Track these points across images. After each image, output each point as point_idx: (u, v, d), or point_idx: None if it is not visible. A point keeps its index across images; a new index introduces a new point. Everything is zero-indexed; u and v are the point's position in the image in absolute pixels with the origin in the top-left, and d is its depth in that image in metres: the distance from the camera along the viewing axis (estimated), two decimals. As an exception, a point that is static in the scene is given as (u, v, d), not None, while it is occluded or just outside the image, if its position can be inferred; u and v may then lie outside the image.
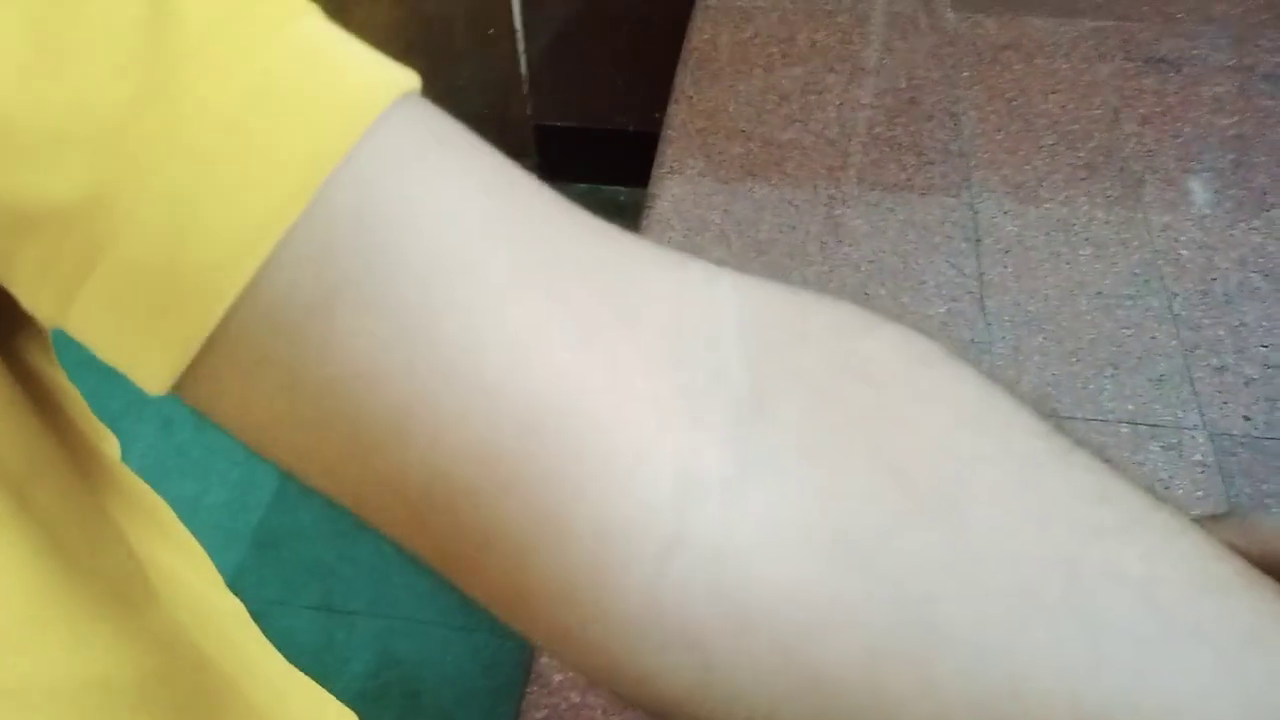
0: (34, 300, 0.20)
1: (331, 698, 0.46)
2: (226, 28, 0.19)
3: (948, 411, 0.22)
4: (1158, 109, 0.90)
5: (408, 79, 0.20)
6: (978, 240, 0.78)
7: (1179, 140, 0.87)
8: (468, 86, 1.90)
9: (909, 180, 0.83)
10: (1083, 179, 0.83)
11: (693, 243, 0.79)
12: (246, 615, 0.40)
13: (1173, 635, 0.21)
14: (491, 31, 1.83)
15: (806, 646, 0.20)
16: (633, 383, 0.21)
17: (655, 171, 0.85)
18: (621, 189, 1.82)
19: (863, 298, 0.74)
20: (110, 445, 0.33)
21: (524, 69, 1.82)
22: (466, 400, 0.20)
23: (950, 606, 0.20)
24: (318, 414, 0.20)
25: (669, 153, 0.86)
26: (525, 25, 1.78)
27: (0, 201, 0.19)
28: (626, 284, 0.22)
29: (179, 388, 0.20)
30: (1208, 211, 0.81)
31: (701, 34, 1.00)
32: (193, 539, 0.37)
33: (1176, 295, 0.74)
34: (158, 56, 0.18)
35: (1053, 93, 0.91)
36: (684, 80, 0.94)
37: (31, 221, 0.19)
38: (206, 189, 0.19)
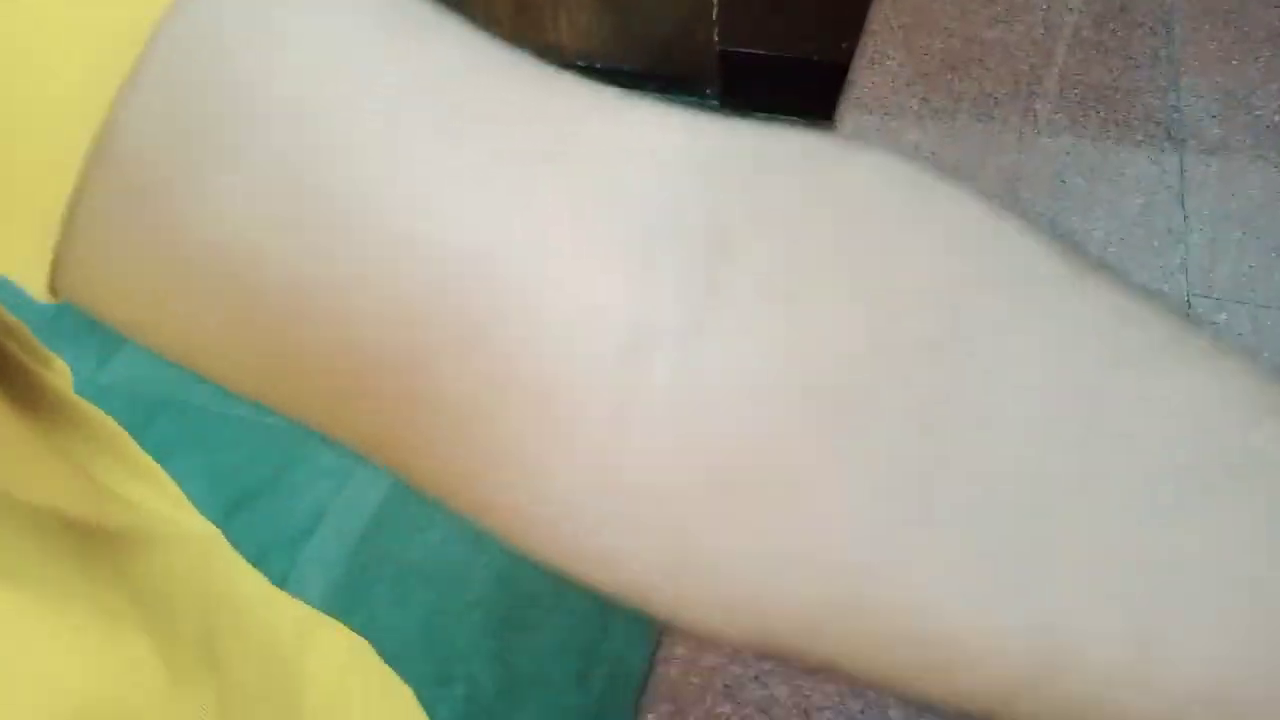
0: None
1: (322, 617, 0.45)
2: None
3: (939, 236, 0.19)
4: (1388, 28, 0.86)
5: None
6: (1182, 140, 0.78)
7: None
8: (657, 8, 1.94)
9: (1114, 81, 0.83)
10: (1298, 88, 0.81)
11: (888, 126, 0.81)
12: (221, 538, 0.39)
13: (1225, 466, 0.18)
14: (687, -41, 1.88)
15: (791, 507, 0.18)
16: (563, 224, 0.18)
17: (855, 62, 0.87)
18: (803, 120, 1.84)
19: (1058, 184, 0.75)
20: (59, 375, 0.31)
21: (715, -5, 1.85)
22: (368, 256, 0.17)
23: (966, 450, 0.18)
24: (199, 294, 0.18)
25: (869, 45, 0.89)
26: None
27: None
28: (551, 120, 0.19)
29: (61, 290, 0.18)
30: None
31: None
32: (155, 465, 0.35)
33: (1390, 203, 0.72)
34: None
35: (1274, 6, 0.89)
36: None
37: None
38: (21, 57, 0.17)
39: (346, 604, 1.38)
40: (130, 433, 0.36)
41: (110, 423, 0.33)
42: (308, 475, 1.49)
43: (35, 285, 0.18)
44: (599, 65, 2.09)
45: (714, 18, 1.89)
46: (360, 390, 0.19)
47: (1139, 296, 0.19)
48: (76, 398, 0.32)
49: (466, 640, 1.35)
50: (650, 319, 0.18)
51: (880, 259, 0.19)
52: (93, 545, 0.29)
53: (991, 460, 0.18)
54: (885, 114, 0.82)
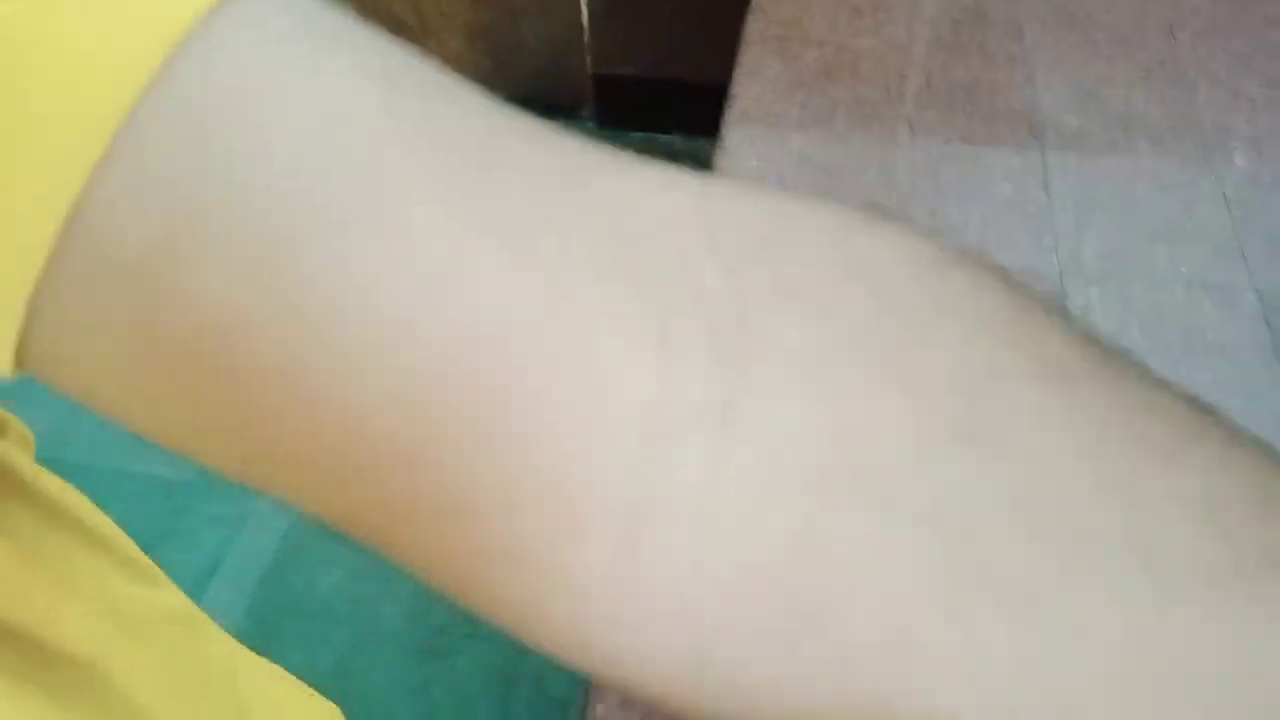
0: None
1: (300, 686, 0.43)
2: None
3: (969, 320, 0.19)
4: (1211, 25, 0.95)
5: None
6: (1042, 132, 0.84)
7: (1231, 51, 0.92)
8: (530, 39, 1.97)
9: (974, 80, 0.89)
10: (1140, 80, 0.88)
11: (773, 133, 0.85)
12: (191, 609, 0.36)
13: (1244, 565, 0.18)
14: (555, -17, 1.91)
15: (823, 606, 0.17)
16: (575, 303, 0.17)
17: (735, 74, 0.91)
18: (678, 138, 1.88)
19: (933, 179, 0.80)
20: (16, 444, 0.29)
21: (585, 19, 1.89)
22: (369, 340, 0.16)
23: (993, 545, 0.17)
24: (185, 376, 0.17)
25: (747, 56, 0.92)
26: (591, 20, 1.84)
27: None
28: (562, 188, 0.18)
29: (26, 363, 0.17)
30: (1260, 109, 0.86)
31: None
32: (120, 536, 0.33)
33: (1227, 179, 0.79)
34: None
35: (1110, 11, 0.96)
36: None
37: None
38: (7, 118, 0.15)
39: (251, 649, 1.34)
40: None
41: (72, 494, 0.31)
42: (199, 524, 1.45)
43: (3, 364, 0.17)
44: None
45: (585, 41, 1.93)
46: (361, 481, 0.17)
47: (1157, 383, 0.19)
48: (36, 468, 0.30)
49: (382, 676, 1.33)
50: (673, 404, 0.17)
51: (912, 344, 0.18)
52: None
53: (1026, 560, 0.17)
54: (768, 122, 0.86)
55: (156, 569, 0.36)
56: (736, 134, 0.85)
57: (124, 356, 0.17)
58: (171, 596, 0.36)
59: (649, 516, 0.17)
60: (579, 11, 1.88)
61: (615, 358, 0.17)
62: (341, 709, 1.33)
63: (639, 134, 1.94)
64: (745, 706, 0.18)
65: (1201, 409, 0.19)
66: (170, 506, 1.45)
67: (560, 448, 0.17)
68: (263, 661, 0.41)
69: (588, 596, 0.18)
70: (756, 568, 0.17)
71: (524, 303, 0.17)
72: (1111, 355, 0.19)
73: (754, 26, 0.95)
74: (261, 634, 1.37)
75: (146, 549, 1.54)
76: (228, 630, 1.54)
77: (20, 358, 0.17)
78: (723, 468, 0.17)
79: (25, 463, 0.30)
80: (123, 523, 1.52)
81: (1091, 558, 0.17)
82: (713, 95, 1.05)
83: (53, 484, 0.31)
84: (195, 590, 1.41)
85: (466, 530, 0.18)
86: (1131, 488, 0.18)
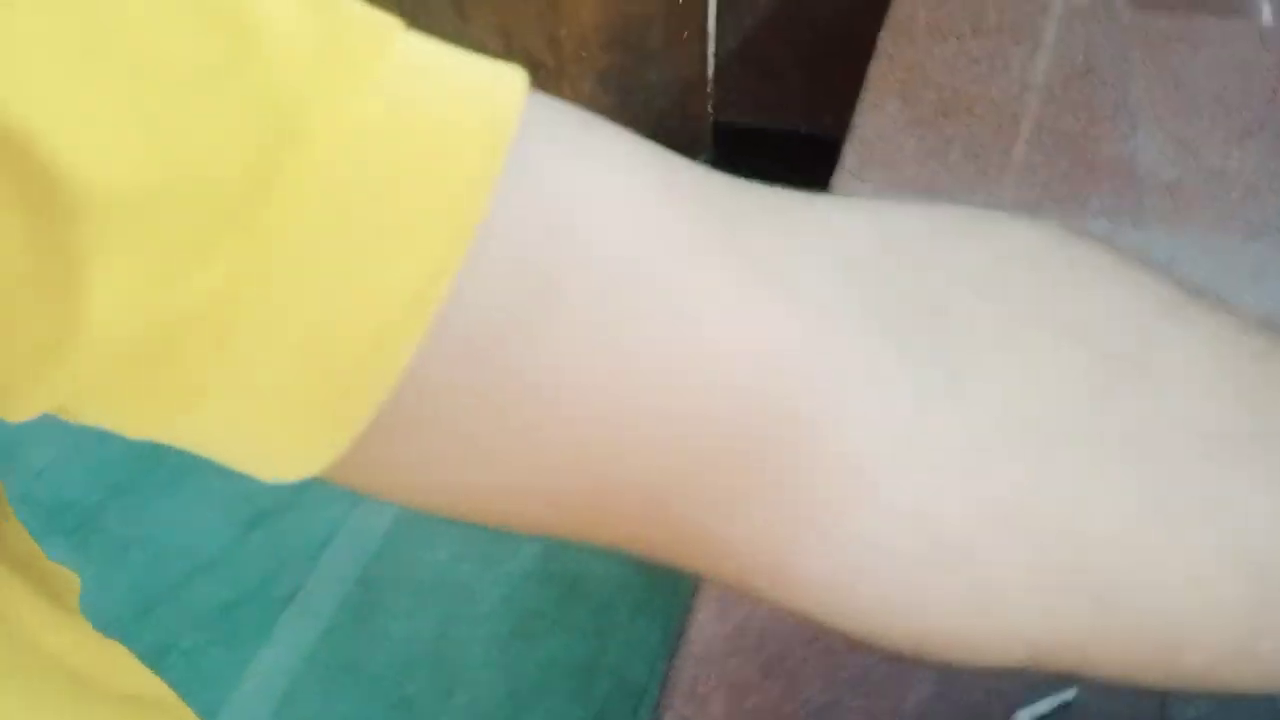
0: (128, 418, 0.17)
1: None
2: (328, 63, 0.16)
3: (1104, 280, 0.23)
4: (1314, 95, 1.01)
5: (521, 75, 0.19)
6: (1139, 178, 0.91)
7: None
8: (656, 83, 2.09)
9: (1080, 129, 0.96)
10: (1237, 139, 0.95)
11: (890, 160, 0.93)
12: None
13: None
14: (686, 34, 2.03)
15: (1065, 527, 0.20)
16: (836, 318, 0.21)
17: (858, 107, 1.00)
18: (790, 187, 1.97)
19: (1035, 209, 0.87)
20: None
21: (710, 69, 2.00)
22: (696, 374, 0.19)
23: (1180, 456, 0.21)
24: (537, 440, 0.19)
25: (869, 95, 1.01)
26: (718, 28, 1.96)
27: (127, 321, 0.15)
28: (785, 229, 0.22)
29: (341, 468, 0.18)
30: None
31: (901, 9, 1.15)
32: (52, 565, 0.31)
33: (1317, 231, 0.85)
34: (266, 109, 0.16)
35: (1216, 74, 1.03)
36: (885, 43, 1.09)
37: (156, 332, 0.16)
38: (354, 245, 0.16)
39: (358, 618, 1.44)
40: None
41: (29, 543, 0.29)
42: (322, 496, 1.56)
43: (291, 472, 0.18)
44: (599, 132, 2.22)
45: (708, 91, 2.04)
46: (680, 496, 0.20)
47: (1232, 308, 0.23)
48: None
49: (474, 652, 1.41)
50: (925, 380, 0.20)
51: (1070, 303, 0.22)
52: None
53: (1205, 472, 0.21)
54: (886, 151, 0.95)
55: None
56: (854, 159, 0.93)
57: (472, 436, 0.19)
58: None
59: (922, 470, 0.20)
60: (705, 60, 2.00)
61: (864, 351, 0.20)
62: (431, 678, 1.41)
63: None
64: (1005, 637, 0.21)
65: (1271, 326, 0.23)
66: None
67: (845, 423, 0.20)
68: None
69: (893, 551, 0.20)
70: (1005, 502, 0.20)
71: (792, 326, 0.20)
72: (1195, 294, 0.23)
73: (877, 69, 1.04)
74: (368, 603, 1.46)
75: (265, 518, 1.67)
76: (337, 597, 1.63)
77: (337, 465, 0.18)
78: (964, 427, 0.20)
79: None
80: (250, 488, 1.65)
81: (1252, 458, 0.21)
82: (825, 147, 1.14)
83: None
84: (309, 559, 1.53)
85: (772, 516, 0.20)
86: (1254, 396, 0.22)
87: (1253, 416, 0.22)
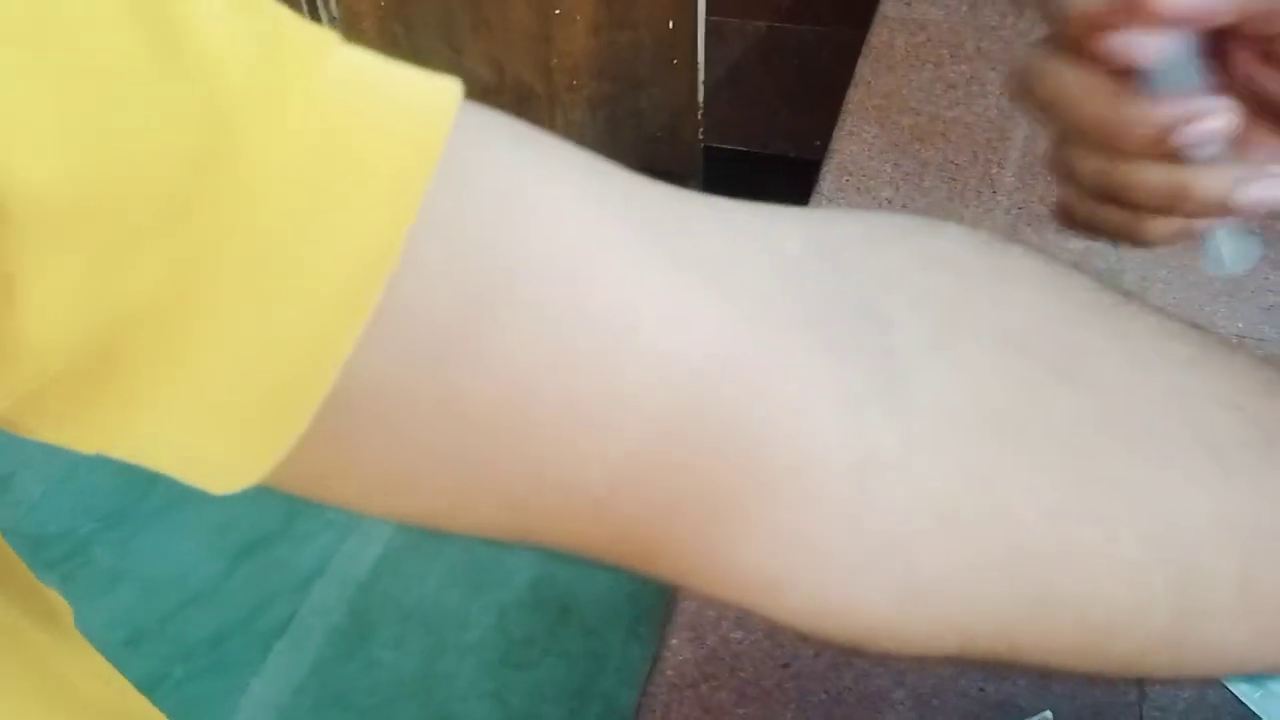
0: (68, 432, 0.17)
1: None
2: (263, 73, 0.17)
3: (1029, 285, 0.23)
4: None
5: (457, 85, 0.19)
6: (1115, 200, 0.92)
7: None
8: (647, 110, 2.10)
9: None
10: (1213, 161, 0.96)
11: (866, 185, 0.94)
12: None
13: (1274, 446, 0.22)
14: (675, 61, 2.05)
15: (1000, 522, 0.21)
16: (774, 321, 0.21)
17: (835, 132, 1.00)
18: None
19: (1012, 232, 0.88)
20: None
21: (700, 96, 2.02)
22: (635, 372, 0.19)
23: (1109, 455, 0.21)
24: (479, 435, 0.19)
25: (848, 121, 1.02)
26: (707, 57, 1.97)
27: (65, 325, 0.15)
28: (721, 235, 0.22)
29: (277, 474, 0.18)
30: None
31: (879, 37, 1.16)
32: (45, 590, 0.32)
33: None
34: (202, 112, 0.16)
35: (1192, 97, 1.04)
36: (863, 70, 1.10)
37: (96, 341, 0.16)
38: (293, 246, 0.16)
39: (348, 647, 1.44)
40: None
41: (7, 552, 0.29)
42: (313, 526, 1.56)
43: (234, 482, 0.18)
44: (590, 160, 2.23)
45: (699, 117, 2.05)
46: (627, 494, 0.20)
47: (1160, 311, 0.24)
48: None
49: (464, 681, 1.40)
50: (860, 382, 0.21)
51: (998, 306, 0.23)
52: None
53: (1129, 461, 0.22)
54: (862, 175, 0.95)
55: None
56: (831, 184, 0.94)
57: (419, 436, 0.18)
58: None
59: (867, 474, 0.21)
60: (695, 87, 2.01)
61: (810, 358, 0.21)
62: (422, 708, 1.40)
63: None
64: (941, 628, 0.22)
65: (1203, 330, 0.24)
66: (285, 509, 1.57)
67: (795, 428, 0.20)
68: None
69: (830, 551, 0.21)
70: (945, 500, 0.21)
71: (739, 323, 0.20)
72: (1125, 295, 0.24)
73: (855, 96, 1.05)
74: (358, 632, 1.46)
75: (260, 544, 1.67)
76: (327, 626, 1.63)
77: (280, 469, 0.18)
78: (906, 428, 0.21)
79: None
80: (242, 518, 1.66)
81: (1172, 453, 0.22)
82: (812, 171, 1.15)
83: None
84: (299, 590, 1.52)
85: (722, 518, 0.20)
86: (1184, 395, 0.22)
87: (1181, 416, 0.22)
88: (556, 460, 0.19)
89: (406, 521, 0.21)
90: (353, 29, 2.23)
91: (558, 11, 2.05)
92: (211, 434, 0.17)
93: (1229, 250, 0.31)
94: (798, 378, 0.20)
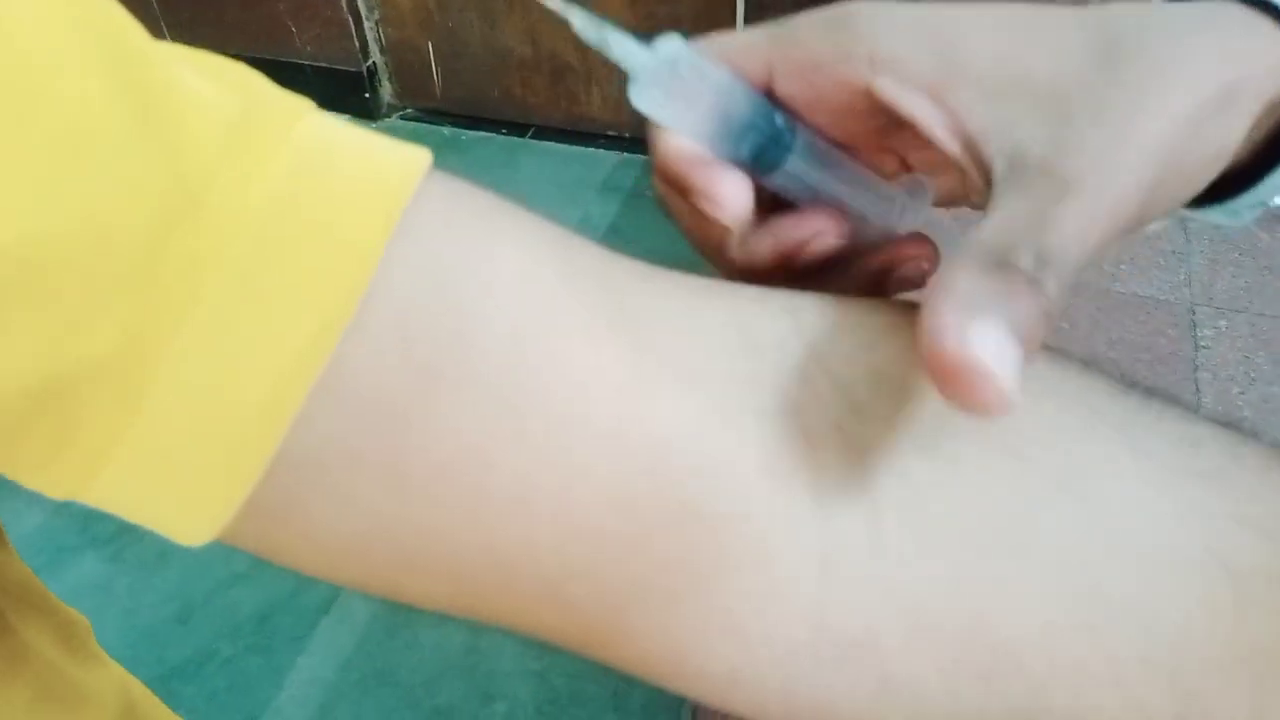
0: (40, 478, 0.17)
1: None
2: (233, 137, 0.17)
3: (1035, 389, 0.21)
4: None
5: (425, 155, 0.19)
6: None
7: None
8: (685, 84, 2.08)
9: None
10: None
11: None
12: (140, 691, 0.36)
13: None
14: (714, 33, 2.01)
15: (981, 631, 0.20)
16: (739, 405, 0.20)
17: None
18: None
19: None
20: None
21: (740, 69, 1.98)
22: (587, 450, 0.19)
23: (1111, 573, 0.20)
24: (427, 506, 0.19)
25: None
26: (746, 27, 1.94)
27: (17, 378, 0.15)
28: (687, 314, 0.21)
29: (237, 528, 0.18)
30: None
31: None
32: (66, 610, 0.33)
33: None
34: (168, 176, 0.16)
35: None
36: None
37: (49, 393, 0.16)
38: (247, 307, 0.17)
39: (392, 625, 1.44)
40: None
41: (19, 567, 0.30)
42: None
43: (195, 534, 0.18)
44: (626, 135, 2.22)
45: (738, 91, 2.02)
46: (577, 573, 0.19)
47: (1193, 416, 0.22)
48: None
49: (507, 659, 1.41)
50: (831, 475, 0.20)
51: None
52: None
53: (1125, 580, 0.20)
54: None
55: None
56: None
57: (366, 503, 0.18)
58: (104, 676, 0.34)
59: (836, 567, 0.20)
60: (735, 61, 1.98)
61: (780, 445, 0.20)
62: (466, 687, 1.40)
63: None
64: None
65: (1236, 434, 0.22)
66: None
67: (755, 517, 0.20)
68: None
69: (793, 646, 0.20)
70: (924, 601, 0.20)
71: (701, 411, 0.20)
72: (1148, 395, 0.22)
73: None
74: (402, 609, 1.47)
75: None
76: (368, 608, 1.64)
77: (232, 526, 0.18)
78: (882, 535, 0.20)
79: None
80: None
81: (1186, 573, 0.20)
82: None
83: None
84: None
85: (678, 607, 0.20)
86: (1201, 510, 0.21)
87: (1197, 537, 0.21)
88: (506, 536, 0.19)
89: (360, 589, 0.20)
90: (388, 7, 2.22)
91: (595, -16, 2.02)
92: (168, 488, 0.18)
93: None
94: (760, 466, 0.20)
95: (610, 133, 2.25)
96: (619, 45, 0.24)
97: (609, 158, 2.23)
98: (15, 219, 0.15)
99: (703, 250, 0.27)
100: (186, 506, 0.18)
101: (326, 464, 0.18)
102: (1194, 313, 0.78)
